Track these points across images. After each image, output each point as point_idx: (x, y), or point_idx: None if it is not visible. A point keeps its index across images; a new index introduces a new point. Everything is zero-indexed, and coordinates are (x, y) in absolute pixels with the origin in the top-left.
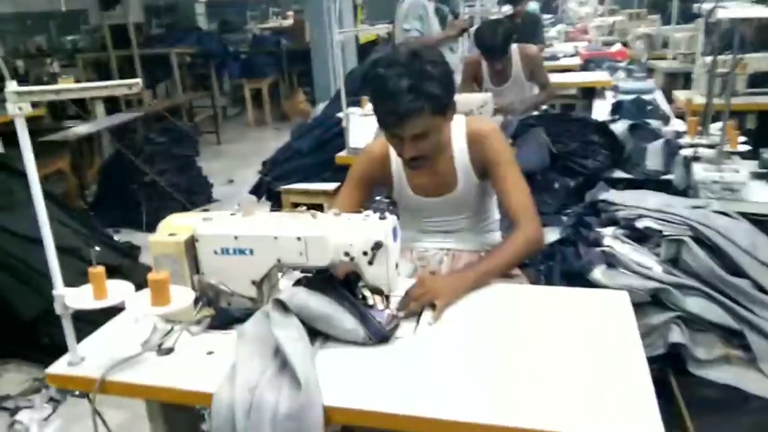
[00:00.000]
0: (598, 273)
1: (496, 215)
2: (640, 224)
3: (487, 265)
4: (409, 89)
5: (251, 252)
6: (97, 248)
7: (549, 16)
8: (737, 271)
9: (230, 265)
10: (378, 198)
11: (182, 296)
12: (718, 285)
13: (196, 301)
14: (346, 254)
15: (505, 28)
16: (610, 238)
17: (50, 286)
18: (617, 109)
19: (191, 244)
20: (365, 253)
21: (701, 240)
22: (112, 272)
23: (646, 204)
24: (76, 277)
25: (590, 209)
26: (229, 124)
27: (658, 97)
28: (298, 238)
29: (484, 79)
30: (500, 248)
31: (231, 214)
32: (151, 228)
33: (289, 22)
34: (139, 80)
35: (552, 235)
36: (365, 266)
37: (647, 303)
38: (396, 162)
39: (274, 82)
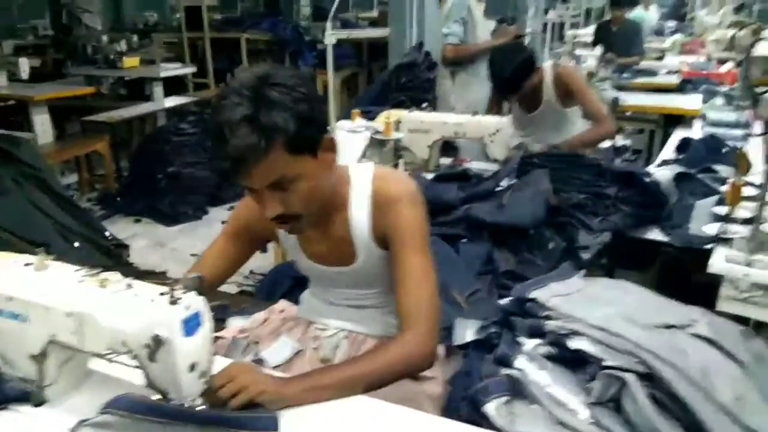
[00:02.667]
0: (493, 408)
1: None
2: (572, 344)
3: (332, 377)
4: (244, 120)
5: (25, 320)
6: (76, 244)
7: (672, 23)
8: None
9: (3, 330)
10: (187, 274)
11: None
12: None
13: None
14: (124, 344)
15: (522, 59)
16: (525, 357)
17: None
18: (684, 146)
19: None
20: (147, 346)
21: (657, 381)
22: None
23: (589, 314)
24: None
25: (519, 308)
26: None
27: (756, 139)
28: (68, 314)
29: (514, 103)
30: (365, 358)
31: (25, 264)
32: (169, 221)
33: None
34: None
35: (470, 331)
36: (146, 361)
37: None
38: None
39: (351, 74)
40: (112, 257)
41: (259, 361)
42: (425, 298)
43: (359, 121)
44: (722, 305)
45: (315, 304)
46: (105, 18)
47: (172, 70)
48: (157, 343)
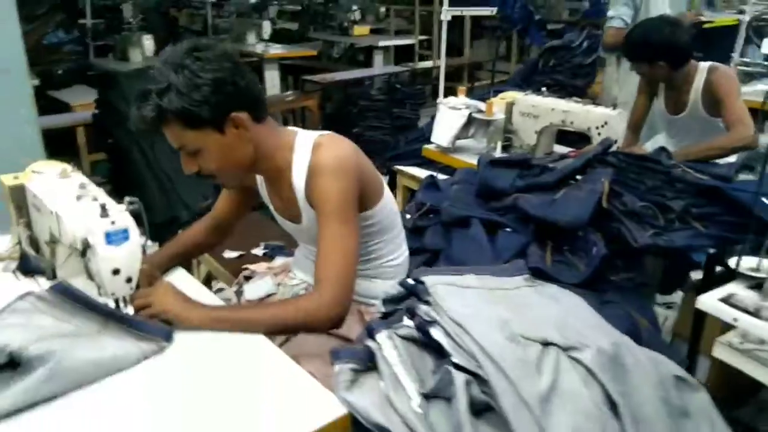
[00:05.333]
0: (337, 370)
1: (392, 258)
2: (433, 332)
3: (236, 314)
4: (147, 95)
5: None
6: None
7: None
8: None
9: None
10: None
11: None
12: None
13: None
14: (74, 240)
15: (662, 34)
16: (386, 334)
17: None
18: None
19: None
20: (82, 245)
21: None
22: None
23: (457, 309)
24: None
25: (413, 288)
26: None
27: None
28: (51, 212)
29: (660, 100)
30: (273, 306)
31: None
32: None
33: None
34: None
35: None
36: (80, 257)
37: None
38: None
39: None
40: None
41: (240, 293)
42: (336, 264)
43: (461, 99)
44: (717, 351)
45: (297, 255)
46: None
47: (389, 40)
48: (85, 244)
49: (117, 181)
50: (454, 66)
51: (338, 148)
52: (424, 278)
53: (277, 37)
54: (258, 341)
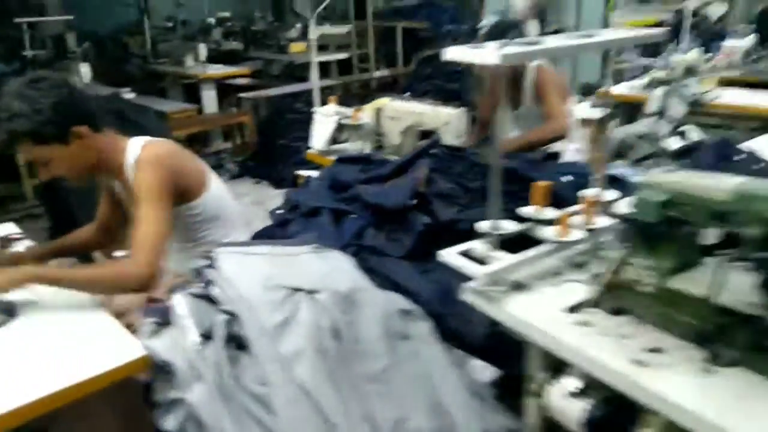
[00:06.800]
0: (143, 325)
1: (225, 240)
2: (211, 288)
3: (65, 274)
4: None
5: None
6: None
7: None
8: None
9: None
10: None
11: None
12: None
13: None
14: None
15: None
16: (182, 294)
17: None
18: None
19: None
20: None
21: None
22: None
23: (228, 266)
24: None
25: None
26: None
27: None
28: None
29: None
30: (95, 268)
31: None
32: (277, 185)
33: None
34: None
35: None
36: None
37: None
38: None
39: None
40: None
41: None
42: (147, 237)
43: (332, 107)
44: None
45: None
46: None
47: (325, 55)
48: None
49: (51, 200)
50: (392, 76)
51: (157, 148)
52: (217, 248)
53: (221, 57)
54: (86, 303)
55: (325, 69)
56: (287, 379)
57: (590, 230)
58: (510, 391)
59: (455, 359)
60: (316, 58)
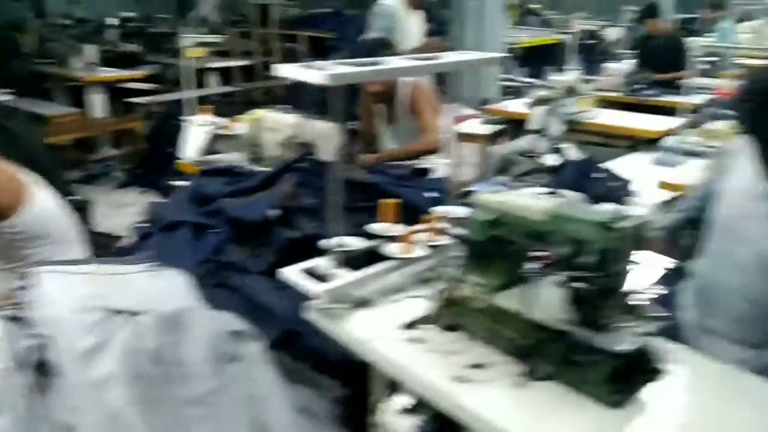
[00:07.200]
0: None
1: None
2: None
3: None
4: None
5: None
6: None
7: None
8: None
9: None
10: None
11: None
12: None
13: None
14: None
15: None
16: None
17: None
18: (557, 170)
19: None
20: None
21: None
22: None
23: (45, 286)
24: None
25: None
26: None
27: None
28: None
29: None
30: None
31: None
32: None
33: None
34: None
35: None
36: None
37: None
38: None
39: None
40: None
41: None
42: None
43: (206, 117)
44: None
45: None
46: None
47: (223, 61)
48: None
49: None
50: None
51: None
52: (38, 268)
53: (118, 60)
54: None
55: (227, 76)
56: (96, 406)
57: (434, 247)
58: (359, 410)
59: (303, 378)
60: (195, 65)
